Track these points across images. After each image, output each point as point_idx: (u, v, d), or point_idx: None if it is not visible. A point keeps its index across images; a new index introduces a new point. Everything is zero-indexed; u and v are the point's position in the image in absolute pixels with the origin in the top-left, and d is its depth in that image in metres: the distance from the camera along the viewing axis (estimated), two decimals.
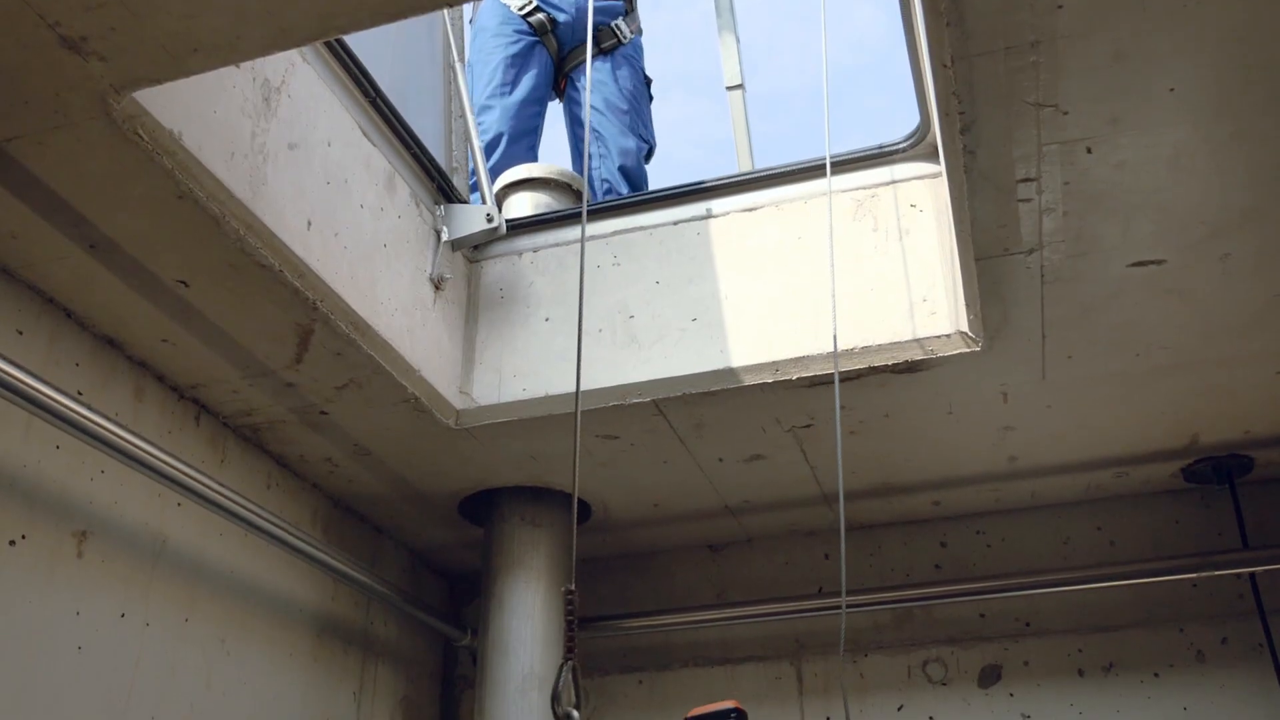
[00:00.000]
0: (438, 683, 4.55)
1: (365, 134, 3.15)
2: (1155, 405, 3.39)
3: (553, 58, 4.88)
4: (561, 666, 1.80)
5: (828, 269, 3.27)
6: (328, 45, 3.06)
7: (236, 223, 2.55)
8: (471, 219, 3.56)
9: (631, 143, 4.72)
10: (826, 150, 3.24)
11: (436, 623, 4.29)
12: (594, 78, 4.82)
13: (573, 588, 1.83)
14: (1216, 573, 3.73)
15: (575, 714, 1.82)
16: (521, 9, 4.78)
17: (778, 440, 3.57)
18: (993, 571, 3.95)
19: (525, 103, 4.73)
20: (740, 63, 5.22)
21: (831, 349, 3.12)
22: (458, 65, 4.03)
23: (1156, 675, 3.80)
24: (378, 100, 3.28)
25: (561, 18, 4.82)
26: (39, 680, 2.63)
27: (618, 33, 4.87)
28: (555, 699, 1.81)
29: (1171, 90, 2.27)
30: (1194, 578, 3.79)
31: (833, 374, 3.11)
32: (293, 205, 2.73)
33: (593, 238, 3.59)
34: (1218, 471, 3.75)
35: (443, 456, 3.68)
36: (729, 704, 2.01)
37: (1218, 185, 2.52)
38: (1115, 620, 3.89)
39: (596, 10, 4.76)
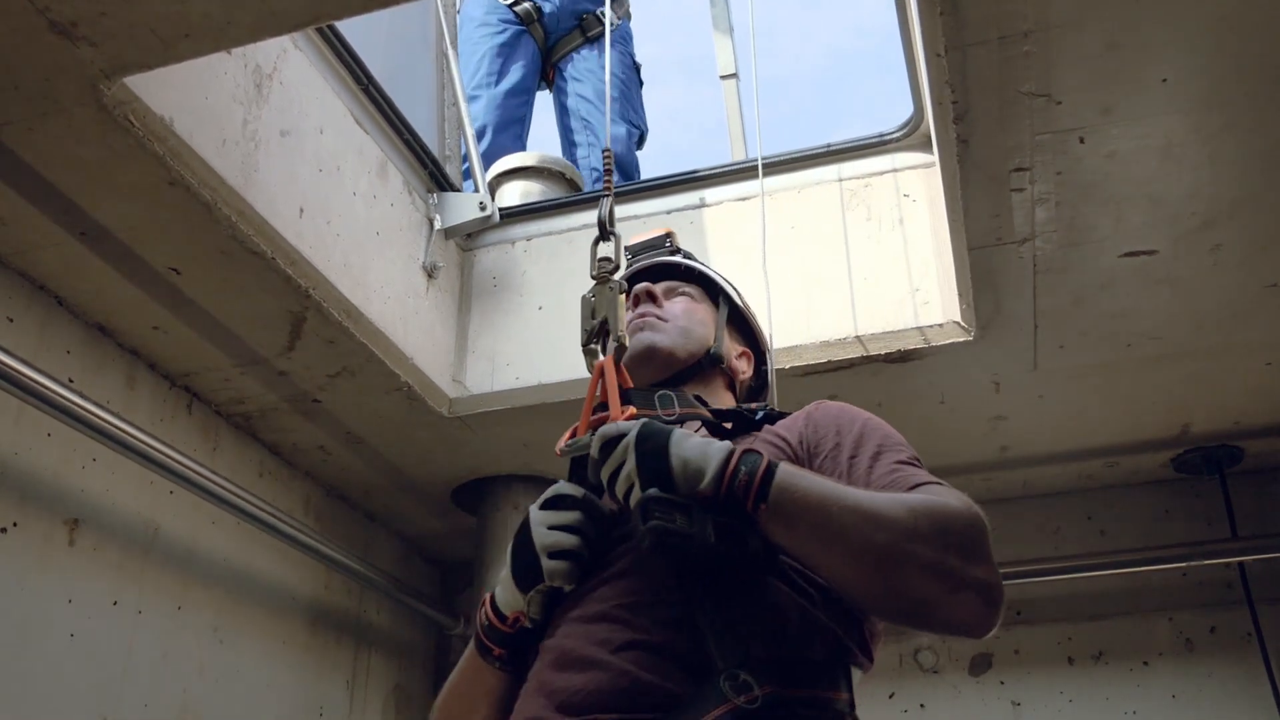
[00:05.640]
0: (430, 671, 4.55)
1: (358, 121, 3.15)
2: (1146, 395, 3.40)
3: (540, 47, 4.88)
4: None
5: (821, 259, 3.27)
6: (320, 32, 3.05)
7: (228, 210, 2.54)
8: (464, 207, 3.56)
9: (621, 129, 4.72)
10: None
11: (429, 611, 4.29)
12: (582, 66, 4.84)
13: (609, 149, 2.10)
14: (1206, 562, 3.75)
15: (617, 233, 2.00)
16: None
17: None
18: None
19: (511, 92, 4.73)
20: (735, 51, 5.21)
21: (831, 339, 3.14)
22: (450, 53, 4.02)
23: (1146, 664, 3.81)
24: (370, 87, 3.27)
25: (547, 7, 4.83)
26: (31, 668, 2.63)
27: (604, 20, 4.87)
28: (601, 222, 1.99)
29: (1164, 81, 2.27)
30: (1183, 567, 3.80)
31: (823, 364, 3.13)
32: (285, 192, 2.73)
33: (586, 226, 3.59)
34: (1208, 462, 3.76)
35: (436, 445, 3.68)
36: (660, 231, 2.22)
37: (1209, 176, 2.52)
38: (1105, 609, 3.90)
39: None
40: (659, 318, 2.00)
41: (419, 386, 3.32)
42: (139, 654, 2.97)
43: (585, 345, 1.86)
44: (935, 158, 2.78)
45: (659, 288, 2.08)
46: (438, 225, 3.50)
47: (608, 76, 3.25)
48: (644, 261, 2.17)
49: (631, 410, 1.72)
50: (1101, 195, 2.58)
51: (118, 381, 3.01)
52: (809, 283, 3.26)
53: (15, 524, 2.64)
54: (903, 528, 1.46)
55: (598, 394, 1.79)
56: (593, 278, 1.92)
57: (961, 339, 3.06)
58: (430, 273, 3.43)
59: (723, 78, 5.24)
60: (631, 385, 1.81)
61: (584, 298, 1.91)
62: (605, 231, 1.96)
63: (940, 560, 1.46)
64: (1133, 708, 3.77)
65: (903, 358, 3.13)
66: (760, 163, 3.29)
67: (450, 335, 3.54)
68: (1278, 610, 3.67)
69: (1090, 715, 3.81)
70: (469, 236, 3.71)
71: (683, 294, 2.09)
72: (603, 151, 2.10)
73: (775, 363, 3.19)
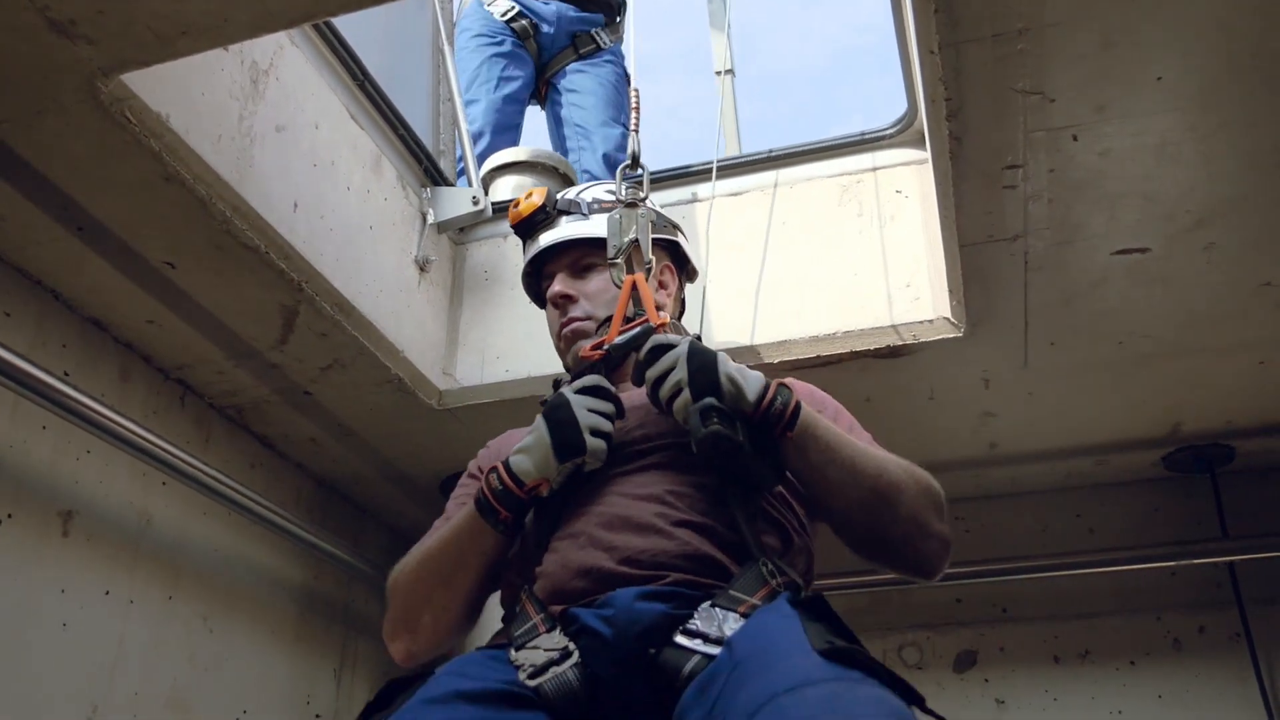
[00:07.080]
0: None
1: (353, 117, 3.15)
2: (1137, 394, 3.41)
3: (534, 62, 4.91)
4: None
5: (812, 254, 3.28)
6: (316, 28, 3.05)
7: (223, 205, 2.54)
8: (457, 202, 3.56)
9: (615, 130, 4.74)
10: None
11: None
12: (577, 79, 4.88)
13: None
14: (1195, 561, 3.74)
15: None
16: (505, 15, 4.81)
17: None
18: (970, 557, 3.94)
19: (508, 99, 4.74)
20: (730, 47, 5.22)
21: (821, 334, 3.15)
22: (446, 49, 4.03)
23: (1133, 663, 3.82)
24: (366, 83, 3.27)
25: (544, 27, 4.86)
26: (24, 657, 2.64)
27: (597, 39, 4.93)
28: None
29: (1159, 79, 2.28)
30: (1172, 566, 3.80)
31: (812, 358, 3.15)
32: (279, 187, 2.73)
33: None
34: (1198, 460, 3.75)
35: (425, 437, 3.69)
36: (537, 199, 2.33)
37: (1203, 174, 2.53)
38: (1092, 607, 3.90)
39: (577, 20, 4.85)
40: (585, 316, 2.18)
41: (410, 379, 3.33)
42: (130, 643, 2.98)
43: (612, 259, 2.13)
44: (928, 154, 2.79)
45: (565, 274, 2.23)
46: (431, 219, 3.50)
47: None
48: (538, 246, 2.29)
49: (665, 318, 2.02)
50: (1094, 193, 2.59)
51: (112, 374, 3.02)
52: (800, 278, 3.26)
53: (10, 515, 2.64)
54: (896, 477, 1.82)
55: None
56: (619, 201, 2.20)
57: (951, 335, 3.07)
58: (422, 266, 3.43)
59: (718, 74, 5.25)
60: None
61: (612, 217, 2.16)
62: (636, 162, 2.35)
63: (920, 509, 1.82)
64: (1119, 707, 3.78)
65: (892, 353, 3.14)
66: (715, 165, 3.34)
67: (441, 328, 3.55)
68: (1267, 611, 3.68)
69: (1075, 714, 3.81)
70: (461, 231, 3.71)
71: (588, 263, 2.24)
72: (632, 90, 2.54)
73: (764, 357, 3.22)
